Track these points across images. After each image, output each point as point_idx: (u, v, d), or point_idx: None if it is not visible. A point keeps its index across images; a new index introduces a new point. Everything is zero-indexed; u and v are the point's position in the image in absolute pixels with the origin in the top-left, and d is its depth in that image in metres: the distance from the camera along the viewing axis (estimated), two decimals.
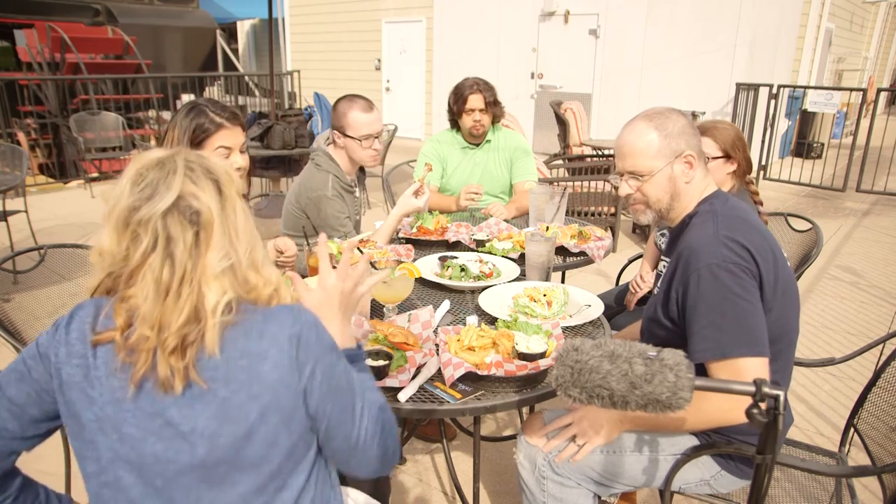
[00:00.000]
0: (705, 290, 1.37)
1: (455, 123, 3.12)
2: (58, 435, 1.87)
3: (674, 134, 1.49)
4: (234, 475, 0.96)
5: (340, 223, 2.47)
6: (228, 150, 1.80)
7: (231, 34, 16.23)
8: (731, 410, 1.35)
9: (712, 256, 1.37)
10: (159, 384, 0.91)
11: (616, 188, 1.62)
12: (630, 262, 2.83)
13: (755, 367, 1.33)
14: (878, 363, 1.71)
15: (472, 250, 2.37)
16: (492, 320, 1.75)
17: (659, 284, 1.58)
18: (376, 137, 2.45)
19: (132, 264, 0.94)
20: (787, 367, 1.54)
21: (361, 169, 2.71)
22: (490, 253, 2.30)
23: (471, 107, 2.97)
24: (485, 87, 2.97)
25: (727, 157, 2.12)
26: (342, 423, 1.00)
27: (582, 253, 2.35)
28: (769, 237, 1.48)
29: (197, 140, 1.76)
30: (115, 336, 0.93)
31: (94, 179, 7.60)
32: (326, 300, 1.18)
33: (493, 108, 3.02)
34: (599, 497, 1.60)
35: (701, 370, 1.37)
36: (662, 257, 1.64)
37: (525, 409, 2.65)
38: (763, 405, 0.84)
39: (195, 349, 0.92)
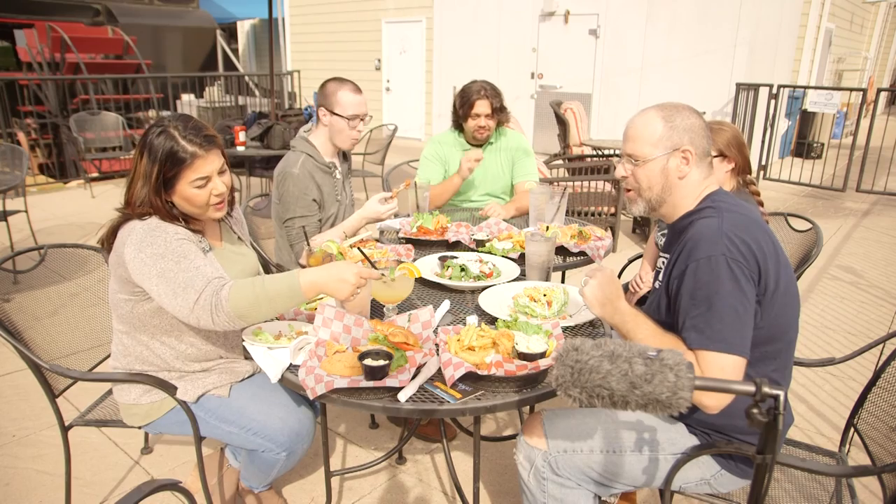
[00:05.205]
0: (701, 280, 1.39)
1: (458, 125, 3.12)
2: (58, 435, 1.88)
3: (679, 128, 1.50)
4: None
5: (303, 204, 2.46)
6: (205, 179, 1.63)
7: (231, 34, 16.23)
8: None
9: (713, 249, 1.38)
10: None
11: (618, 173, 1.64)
12: (630, 262, 2.83)
13: (731, 366, 1.35)
14: (878, 363, 1.71)
15: (472, 250, 2.37)
16: (492, 320, 1.75)
17: (659, 279, 1.59)
18: (361, 119, 2.50)
19: None
20: (787, 367, 1.54)
21: (344, 155, 2.71)
22: (490, 253, 2.30)
23: (477, 112, 2.97)
24: (492, 94, 2.97)
25: (722, 155, 2.17)
26: None
27: (582, 253, 2.35)
28: (772, 236, 1.48)
29: (169, 174, 1.59)
30: None
31: (94, 179, 7.60)
32: None
33: (499, 114, 3.01)
34: (599, 497, 1.61)
35: None
36: (661, 254, 1.65)
37: (525, 409, 2.65)
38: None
39: None
